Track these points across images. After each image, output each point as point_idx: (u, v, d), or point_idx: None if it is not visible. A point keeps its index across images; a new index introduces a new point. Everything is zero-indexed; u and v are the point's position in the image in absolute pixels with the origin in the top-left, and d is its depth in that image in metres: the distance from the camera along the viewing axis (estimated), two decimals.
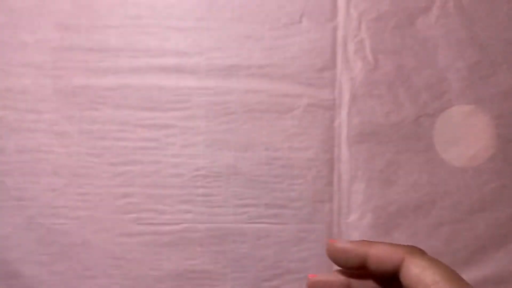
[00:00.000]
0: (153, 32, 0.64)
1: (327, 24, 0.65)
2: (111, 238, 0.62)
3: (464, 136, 0.65)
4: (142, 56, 0.64)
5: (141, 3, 0.64)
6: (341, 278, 0.30)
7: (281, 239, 0.63)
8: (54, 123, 0.63)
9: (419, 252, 0.28)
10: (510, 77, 0.65)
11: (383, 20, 0.65)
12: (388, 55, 0.65)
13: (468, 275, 0.63)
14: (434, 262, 0.26)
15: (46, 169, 0.63)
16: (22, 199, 0.62)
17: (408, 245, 0.29)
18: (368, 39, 0.65)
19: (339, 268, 0.31)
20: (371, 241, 0.30)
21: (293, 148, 0.64)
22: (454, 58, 0.65)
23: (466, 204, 0.64)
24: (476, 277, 0.63)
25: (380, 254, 0.28)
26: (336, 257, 0.30)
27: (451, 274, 0.25)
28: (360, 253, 0.29)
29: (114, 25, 0.64)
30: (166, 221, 0.63)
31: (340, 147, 0.64)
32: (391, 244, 0.29)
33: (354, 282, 0.30)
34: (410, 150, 0.64)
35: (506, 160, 0.64)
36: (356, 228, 0.63)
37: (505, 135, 0.65)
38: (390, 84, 0.65)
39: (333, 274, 0.31)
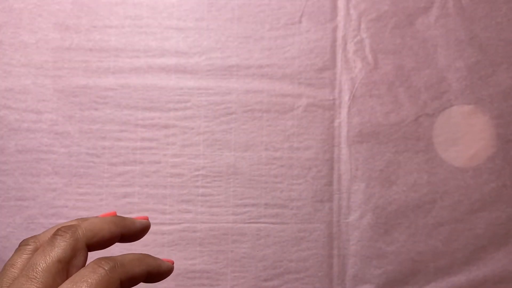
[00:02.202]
0: (153, 32, 0.64)
1: (327, 24, 0.65)
2: None
3: (464, 136, 0.65)
4: (142, 56, 0.64)
5: (141, 3, 0.64)
6: None
7: (281, 239, 0.63)
8: (54, 123, 0.63)
9: None
10: (509, 77, 0.65)
11: (382, 20, 0.65)
12: (387, 55, 0.65)
13: (468, 275, 0.63)
14: None
15: (46, 169, 0.63)
16: (22, 199, 0.62)
17: None
18: (368, 39, 0.65)
19: None
20: None
21: (293, 148, 0.64)
22: (453, 58, 0.65)
23: (466, 204, 0.64)
24: (476, 277, 0.63)
25: None
26: None
27: None
28: None
29: (114, 25, 0.64)
30: (166, 220, 0.63)
31: (340, 147, 0.64)
32: None
33: None
34: (410, 150, 0.64)
35: (506, 160, 0.65)
36: (356, 227, 0.64)
37: (505, 135, 0.65)
38: (390, 84, 0.65)
39: None
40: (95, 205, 0.63)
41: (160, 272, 0.28)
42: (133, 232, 0.31)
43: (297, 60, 0.64)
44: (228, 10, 0.64)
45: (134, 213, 0.63)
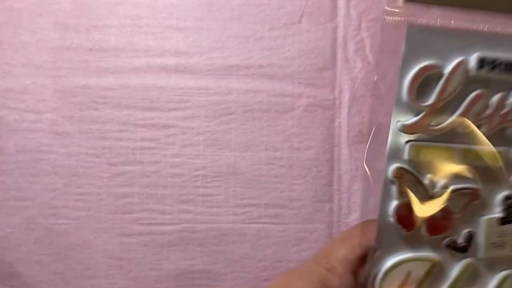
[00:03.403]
0: (153, 32, 0.64)
1: (327, 24, 0.65)
2: (111, 238, 0.62)
3: None
4: (142, 56, 0.64)
5: (141, 3, 0.64)
6: None
7: (281, 239, 0.63)
8: (54, 123, 0.63)
9: None
10: None
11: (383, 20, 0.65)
12: (388, 54, 0.65)
13: None
14: None
15: (46, 169, 0.63)
16: (22, 199, 0.62)
17: None
18: (368, 39, 0.65)
19: None
20: None
21: (293, 148, 0.64)
22: None
23: None
24: None
25: None
26: None
27: None
28: None
29: (114, 25, 0.64)
30: (166, 221, 0.63)
31: (340, 147, 0.64)
32: None
33: None
34: None
35: None
36: None
37: None
38: (390, 84, 0.64)
39: None
40: (95, 205, 0.63)
41: None
42: None
43: (297, 60, 0.64)
44: (228, 10, 0.64)
45: (134, 213, 0.63)
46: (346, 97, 0.65)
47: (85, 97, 0.63)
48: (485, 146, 0.31)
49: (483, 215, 0.32)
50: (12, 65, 0.63)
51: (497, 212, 0.32)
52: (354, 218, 0.63)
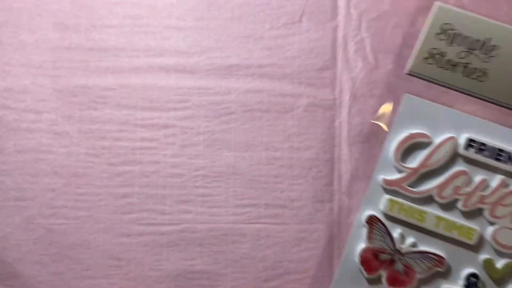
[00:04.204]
0: (153, 32, 0.64)
1: (327, 24, 0.65)
2: (111, 238, 0.62)
3: None
4: (141, 56, 0.64)
5: (140, 3, 0.64)
6: None
7: (281, 239, 0.63)
8: (53, 123, 0.63)
9: None
10: None
11: (383, 19, 0.65)
12: (388, 54, 0.65)
13: None
14: None
15: (45, 169, 0.63)
16: (21, 199, 0.62)
17: None
18: (369, 39, 0.65)
19: None
20: None
21: (293, 148, 0.64)
22: None
23: None
24: None
25: None
26: None
27: None
28: None
29: (113, 24, 0.64)
30: (165, 221, 0.63)
31: (340, 147, 0.64)
32: None
33: None
34: None
35: None
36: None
37: None
38: (390, 83, 0.64)
39: None
40: (95, 205, 0.63)
41: None
42: None
43: (297, 60, 0.64)
44: (228, 9, 0.64)
45: (133, 214, 0.63)
46: (346, 97, 0.64)
47: (85, 97, 0.63)
48: (461, 220, 0.32)
49: (445, 283, 0.33)
50: (11, 65, 0.63)
51: (458, 285, 0.33)
52: (354, 218, 0.63)
